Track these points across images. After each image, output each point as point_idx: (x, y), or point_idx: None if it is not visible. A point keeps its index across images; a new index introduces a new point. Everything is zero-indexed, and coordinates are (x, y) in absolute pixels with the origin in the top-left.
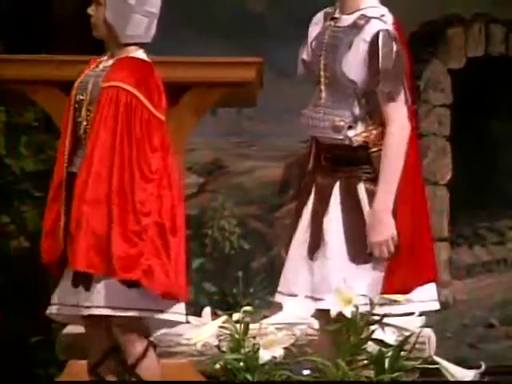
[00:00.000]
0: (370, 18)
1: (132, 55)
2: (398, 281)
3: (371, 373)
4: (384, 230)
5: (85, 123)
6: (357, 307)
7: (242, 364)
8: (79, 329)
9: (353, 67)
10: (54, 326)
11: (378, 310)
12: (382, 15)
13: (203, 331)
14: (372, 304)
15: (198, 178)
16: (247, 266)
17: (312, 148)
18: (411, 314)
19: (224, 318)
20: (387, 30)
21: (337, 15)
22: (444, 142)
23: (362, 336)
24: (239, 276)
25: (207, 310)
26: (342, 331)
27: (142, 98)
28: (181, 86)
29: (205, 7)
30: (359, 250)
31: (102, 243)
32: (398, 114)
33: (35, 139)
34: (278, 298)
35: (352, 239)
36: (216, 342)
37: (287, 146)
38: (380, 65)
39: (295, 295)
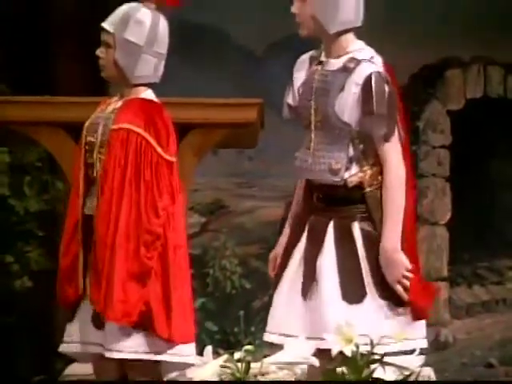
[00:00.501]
0: (361, 60)
1: (141, 96)
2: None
3: None
4: (397, 267)
5: (97, 165)
6: (357, 346)
7: None
8: (82, 369)
9: (346, 110)
10: (57, 366)
11: (378, 349)
12: (372, 57)
13: (205, 370)
14: (372, 343)
15: (200, 217)
16: (248, 305)
17: (303, 187)
18: (411, 352)
19: (225, 356)
20: (379, 72)
21: (323, 59)
22: (443, 183)
23: (363, 375)
24: (240, 315)
25: (209, 349)
26: (343, 370)
27: (151, 140)
28: (183, 127)
29: (207, 50)
30: (354, 289)
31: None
32: (393, 152)
33: (39, 179)
34: (268, 337)
35: (347, 279)
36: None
37: (287, 186)
38: (374, 108)
39: (292, 335)
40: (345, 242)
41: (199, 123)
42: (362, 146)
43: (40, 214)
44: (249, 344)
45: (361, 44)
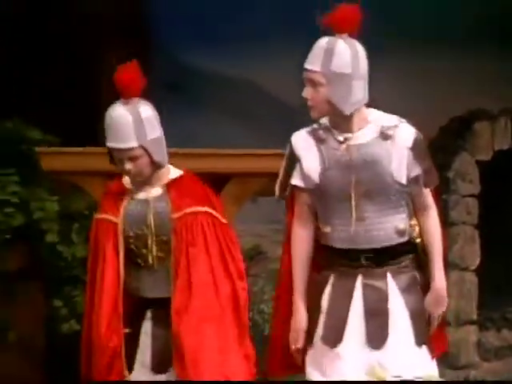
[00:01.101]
0: (396, 125)
1: (175, 176)
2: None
3: None
4: (444, 302)
5: (155, 253)
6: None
7: None
8: None
9: (403, 173)
10: None
11: None
12: (399, 119)
13: None
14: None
15: None
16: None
17: (310, 257)
18: None
19: None
20: (417, 132)
21: (344, 135)
22: (472, 230)
23: None
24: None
25: None
26: None
27: (215, 213)
28: (222, 177)
29: (242, 103)
30: (422, 333)
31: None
32: (431, 198)
33: (86, 226)
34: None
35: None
36: None
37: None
38: (425, 163)
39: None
40: (411, 289)
41: (238, 173)
42: (410, 201)
43: (86, 261)
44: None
45: (376, 111)
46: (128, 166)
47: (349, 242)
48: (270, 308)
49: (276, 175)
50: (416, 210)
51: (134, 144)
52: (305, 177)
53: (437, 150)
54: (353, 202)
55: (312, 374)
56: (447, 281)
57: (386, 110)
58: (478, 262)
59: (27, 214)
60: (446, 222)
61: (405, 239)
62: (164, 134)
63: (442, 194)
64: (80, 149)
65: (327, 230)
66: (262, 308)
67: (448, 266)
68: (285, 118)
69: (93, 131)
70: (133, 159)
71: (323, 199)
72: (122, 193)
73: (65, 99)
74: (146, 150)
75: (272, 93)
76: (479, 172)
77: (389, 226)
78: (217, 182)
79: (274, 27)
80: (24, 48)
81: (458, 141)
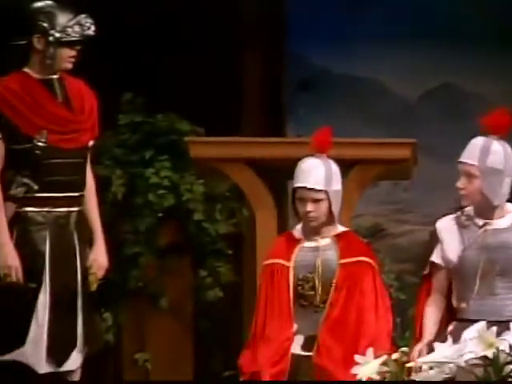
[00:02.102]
0: None
1: (342, 230)
2: None
3: None
4: None
5: (320, 294)
6: (498, 349)
7: None
8: None
9: None
10: None
11: None
12: None
13: (367, 368)
14: (510, 347)
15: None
16: (404, 313)
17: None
18: None
19: (385, 357)
20: None
21: (484, 221)
22: None
23: (503, 373)
24: (397, 322)
25: (370, 350)
26: (487, 369)
27: (375, 265)
28: (348, 163)
29: (366, 99)
30: None
31: None
32: None
33: (228, 206)
34: None
35: None
36: (377, 377)
37: (436, 213)
38: None
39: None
40: None
41: (362, 159)
42: None
43: (228, 236)
44: (404, 346)
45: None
46: (310, 207)
47: (478, 315)
48: (389, 279)
49: (395, 162)
50: None
51: (321, 187)
52: (444, 257)
53: None
54: (489, 279)
55: None
56: None
57: None
58: None
59: (177, 196)
60: None
61: None
62: (298, 127)
63: None
64: (223, 138)
65: (463, 306)
66: (383, 279)
67: None
68: (405, 113)
69: (234, 122)
70: (315, 201)
71: (460, 277)
72: (293, 242)
73: (210, 94)
74: (328, 197)
75: (393, 90)
76: None
77: None
78: (343, 167)
79: (398, 30)
80: (174, 49)
81: None
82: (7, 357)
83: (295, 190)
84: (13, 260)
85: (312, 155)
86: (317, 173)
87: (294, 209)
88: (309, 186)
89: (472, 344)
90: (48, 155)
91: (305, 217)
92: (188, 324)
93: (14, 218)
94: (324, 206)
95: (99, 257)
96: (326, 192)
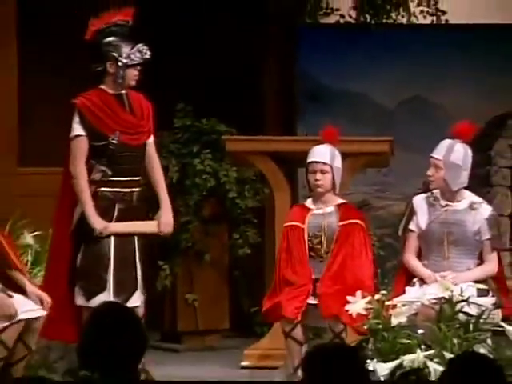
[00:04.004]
0: (480, 203)
1: (342, 201)
2: None
3: (461, 333)
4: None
5: (325, 247)
6: (452, 291)
7: (380, 326)
8: None
9: (479, 233)
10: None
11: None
12: (483, 201)
13: (357, 305)
14: (462, 290)
15: None
16: (383, 266)
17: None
18: (487, 295)
19: (369, 298)
20: (493, 210)
21: (446, 203)
22: (506, 190)
23: (456, 309)
24: (378, 272)
25: (359, 293)
26: (442, 307)
27: (364, 226)
28: (342, 155)
29: (352, 108)
30: None
31: None
32: (494, 254)
33: (254, 187)
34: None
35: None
36: (364, 312)
37: (408, 192)
38: (492, 232)
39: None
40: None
41: (353, 153)
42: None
43: (254, 209)
44: (384, 290)
45: (469, 192)
46: (318, 176)
47: (436, 269)
48: (372, 240)
49: (378, 154)
50: (483, 257)
51: (327, 161)
52: (417, 225)
53: (484, 137)
54: (445, 246)
55: None
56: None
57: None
58: (510, 211)
59: (217, 179)
60: (488, 185)
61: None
62: (305, 128)
63: (486, 166)
64: (250, 137)
65: (425, 262)
66: None
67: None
68: (384, 118)
69: (258, 124)
70: (322, 172)
71: (425, 242)
72: (305, 210)
73: (240, 103)
74: (332, 170)
75: (376, 100)
76: (510, 151)
77: (464, 265)
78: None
79: (380, 57)
80: (214, 70)
81: (497, 131)
82: (91, 303)
83: (308, 165)
84: (101, 224)
85: (322, 144)
86: (325, 152)
87: (307, 181)
88: (318, 160)
89: (433, 288)
90: (119, 150)
91: (314, 185)
92: (224, 273)
93: (93, 195)
94: (328, 177)
95: (167, 217)
96: (330, 166)
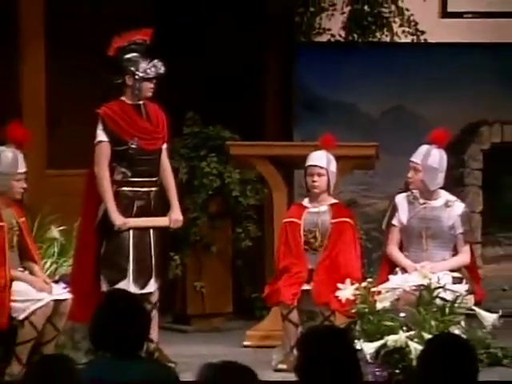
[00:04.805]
0: (454, 201)
1: (334, 201)
2: None
3: (438, 316)
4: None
5: (319, 241)
6: (430, 279)
7: (366, 310)
8: None
9: (453, 228)
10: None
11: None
12: (457, 200)
13: (346, 291)
14: (438, 278)
15: None
16: (369, 257)
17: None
18: (460, 282)
19: (357, 285)
20: (465, 207)
21: (424, 201)
22: (477, 189)
23: (433, 295)
24: (365, 262)
25: (348, 281)
26: (422, 293)
27: (353, 223)
28: (335, 158)
29: (343, 116)
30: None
31: None
32: (467, 247)
33: (255, 187)
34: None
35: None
36: (353, 298)
37: (391, 192)
38: (464, 227)
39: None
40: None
41: (343, 156)
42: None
43: (255, 206)
44: (370, 278)
45: (444, 192)
46: (315, 178)
47: (416, 260)
48: (359, 234)
49: (364, 158)
50: (457, 249)
51: (323, 165)
52: (399, 221)
53: (459, 142)
54: (423, 239)
55: None
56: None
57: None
58: (481, 208)
59: (222, 180)
60: (462, 185)
61: None
62: (301, 135)
63: (460, 168)
64: (252, 142)
65: (406, 254)
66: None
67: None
68: (370, 125)
69: (259, 131)
70: (319, 175)
71: (406, 236)
72: (302, 208)
73: (243, 113)
74: (327, 174)
75: (363, 110)
76: (482, 156)
77: (440, 256)
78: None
79: (367, 73)
80: (220, 82)
81: (470, 137)
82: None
83: (306, 169)
84: (120, 220)
85: (317, 149)
86: (321, 157)
87: (305, 182)
88: (316, 164)
89: (413, 276)
90: (137, 153)
91: (311, 186)
92: (229, 263)
93: (114, 194)
94: (324, 180)
95: (177, 214)
96: (326, 170)
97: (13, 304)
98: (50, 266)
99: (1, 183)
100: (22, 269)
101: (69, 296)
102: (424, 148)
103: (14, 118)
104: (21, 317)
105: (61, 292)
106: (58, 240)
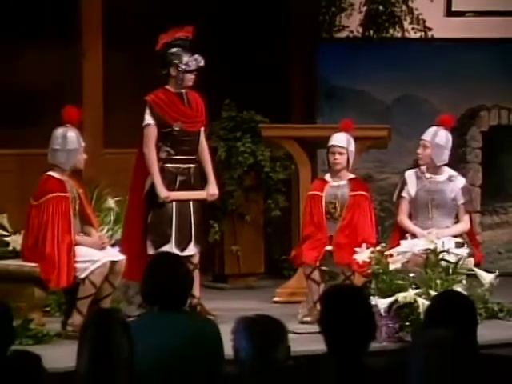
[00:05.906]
0: (457, 176)
1: (353, 176)
2: None
3: (442, 275)
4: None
5: (339, 211)
6: (436, 244)
7: (380, 270)
8: None
9: (455, 199)
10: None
11: (446, 245)
12: (459, 175)
13: (362, 255)
14: (443, 242)
15: None
16: (383, 224)
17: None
18: (462, 246)
19: (372, 249)
20: (466, 181)
21: (430, 175)
22: (478, 166)
23: (439, 257)
24: (379, 229)
25: (363, 245)
26: (428, 256)
27: (369, 196)
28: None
29: (359, 103)
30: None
31: None
32: (467, 216)
33: (283, 164)
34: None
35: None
36: (368, 260)
37: (400, 167)
38: (465, 198)
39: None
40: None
41: (360, 137)
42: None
43: (283, 180)
44: (383, 243)
45: (448, 168)
46: (337, 156)
47: (423, 228)
48: (374, 204)
49: (378, 138)
50: (459, 218)
51: (344, 145)
52: (408, 193)
53: (461, 125)
54: (429, 209)
55: None
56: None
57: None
58: (480, 182)
59: (254, 158)
60: (464, 162)
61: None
62: (323, 119)
63: (462, 147)
64: (280, 125)
65: (414, 222)
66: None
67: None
68: (384, 110)
69: (287, 115)
70: (340, 154)
71: (414, 206)
72: (324, 182)
73: (273, 99)
74: (347, 152)
75: (378, 97)
76: (482, 137)
77: (444, 224)
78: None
79: (381, 64)
80: (256, 75)
81: (471, 120)
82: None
83: (329, 148)
84: (165, 193)
85: (340, 132)
86: (342, 138)
87: (327, 160)
88: (337, 144)
89: (421, 241)
90: (180, 135)
91: (333, 163)
92: (260, 230)
93: (160, 170)
94: (344, 157)
95: (213, 189)
96: (346, 149)
97: (75, 265)
98: (107, 232)
99: (72, 158)
100: (82, 234)
101: (123, 257)
102: (433, 128)
103: (77, 105)
104: (82, 275)
105: (116, 254)
106: (113, 209)
